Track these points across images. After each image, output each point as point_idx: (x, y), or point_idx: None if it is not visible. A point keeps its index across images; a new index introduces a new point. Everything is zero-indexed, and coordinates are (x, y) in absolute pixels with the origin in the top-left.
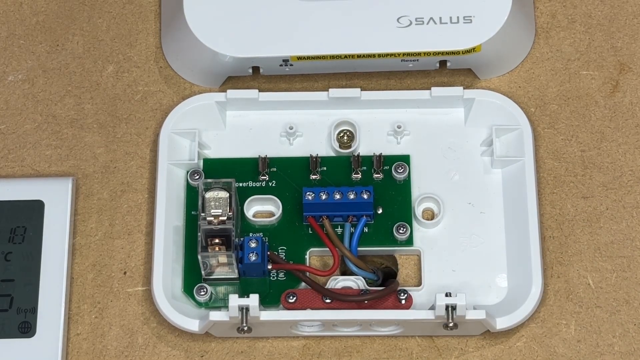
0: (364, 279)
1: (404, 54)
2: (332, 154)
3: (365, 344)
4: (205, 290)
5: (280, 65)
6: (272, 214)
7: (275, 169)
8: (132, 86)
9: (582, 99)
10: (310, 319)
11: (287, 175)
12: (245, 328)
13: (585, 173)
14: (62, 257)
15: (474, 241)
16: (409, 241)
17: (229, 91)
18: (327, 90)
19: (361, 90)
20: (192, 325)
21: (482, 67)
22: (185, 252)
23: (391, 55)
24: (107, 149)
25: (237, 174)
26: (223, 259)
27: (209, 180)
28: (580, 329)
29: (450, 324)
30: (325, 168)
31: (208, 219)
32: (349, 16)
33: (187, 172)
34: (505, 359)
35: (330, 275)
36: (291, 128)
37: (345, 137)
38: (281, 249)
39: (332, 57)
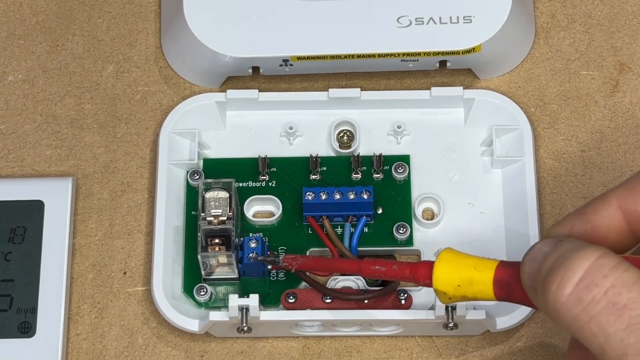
0: (364, 279)
1: (404, 54)
2: (332, 154)
3: (365, 344)
4: (205, 290)
5: (280, 65)
6: (272, 214)
7: (275, 169)
8: (132, 86)
9: (582, 99)
10: (310, 319)
11: (287, 175)
12: (245, 328)
13: (585, 173)
14: (62, 257)
15: (474, 241)
16: (409, 241)
17: (229, 91)
18: (327, 90)
19: (361, 90)
20: (192, 325)
21: (482, 67)
22: (185, 252)
23: (391, 55)
24: (107, 149)
25: (237, 174)
26: (223, 259)
27: (209, 180)
28: None
29: (450, 324)
30: (325, 168)
31: (208, 219)
32: (349, 16)
33: (187, 172)
34: (505, 359)
35: (330, 275)
36: (291, 128)
37: (345, 137)
38: (281, 249)
39: (332, 57)
